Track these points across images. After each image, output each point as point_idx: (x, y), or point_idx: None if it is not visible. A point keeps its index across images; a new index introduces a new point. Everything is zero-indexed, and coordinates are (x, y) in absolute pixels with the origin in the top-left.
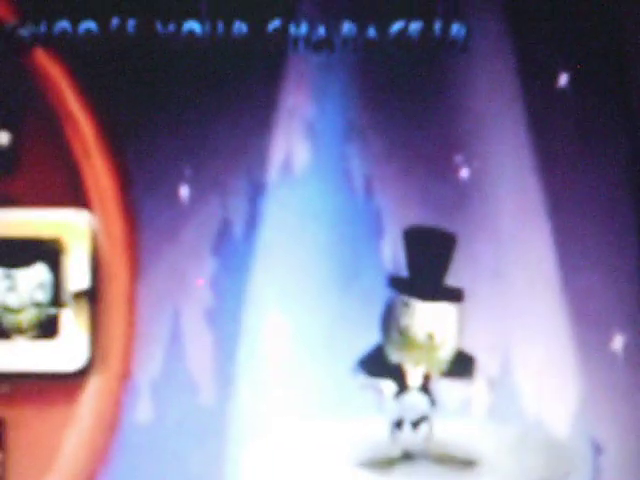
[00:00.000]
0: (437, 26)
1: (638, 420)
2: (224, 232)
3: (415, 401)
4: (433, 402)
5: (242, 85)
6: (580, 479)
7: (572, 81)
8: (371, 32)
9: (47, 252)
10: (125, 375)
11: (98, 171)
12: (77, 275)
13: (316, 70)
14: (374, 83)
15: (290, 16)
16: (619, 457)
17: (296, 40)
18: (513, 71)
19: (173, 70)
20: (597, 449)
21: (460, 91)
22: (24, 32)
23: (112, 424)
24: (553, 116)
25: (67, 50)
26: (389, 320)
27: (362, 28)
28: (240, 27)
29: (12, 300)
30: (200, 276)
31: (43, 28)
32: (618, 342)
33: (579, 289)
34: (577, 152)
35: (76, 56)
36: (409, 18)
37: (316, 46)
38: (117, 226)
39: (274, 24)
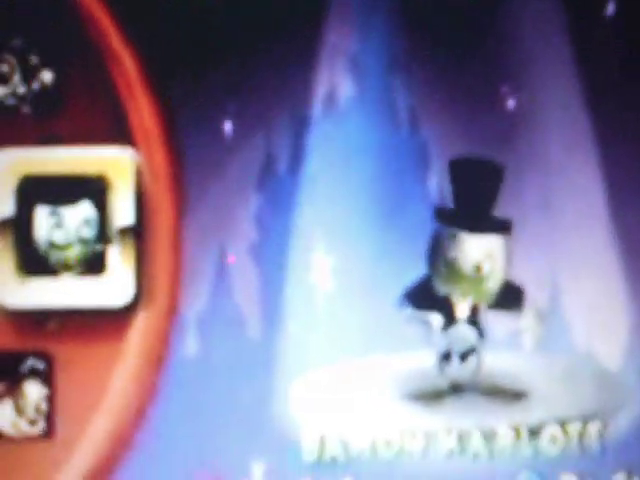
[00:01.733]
0: None
1: None
2: (268, 167)
3: (463, 333)
4: (481, 334)
5: (285, 21)
6: (631, 411)
7: (619, 9)
8: None
9: (92, 189)
10: (172, 310)
11: (142, 109)
12: (122, 212)
13: (359, 4)
14: (418, 16)
15: None
16: None
17: None
18: (560, 0)
19: (216, 7)
20: None
21: (506, 22)
22: None
23: (160, 360)
24: (600, 45)
25: None
26: (436, 252)
27: None
28: None
29: (58, 237)
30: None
31: None
32: None
33: (629, 219)
34: (624, 81)
35: None
36: None
37: None
38: (161, 163)
39: None
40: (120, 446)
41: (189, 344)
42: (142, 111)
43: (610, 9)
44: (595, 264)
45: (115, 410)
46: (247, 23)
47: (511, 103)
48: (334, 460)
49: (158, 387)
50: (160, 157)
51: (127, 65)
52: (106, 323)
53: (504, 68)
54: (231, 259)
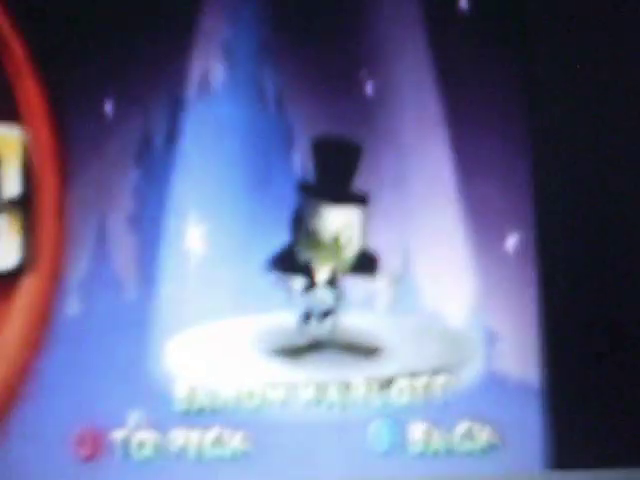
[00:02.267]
0: None
1: (528, 312)
2: (146, 145)
3: (322, 295)
4: (339, 296)
5: (163, 7)
6: (474, 366)
7: (472, 3)
8: None
9: None
10: (55, 274)
11: (29, 89)
12: (10, 184)
13: None
14: (285, 5)
15: None
16: (510, 346)
17: None
18: None
19: None
20: (491, 339)
21: (365, 13)
22: None
23: (44, 319)
24: (453, 37)
25: None
26: (298, 223)
27: None
28: None
29: None
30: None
31: None
32: (511, 241)
33: (474, 194)
34: (475, 70)
35: None
36: None
37: None
38: (46, 140)
39: None
40: (5, 398)
41: (71, 305)
42: (29, 91)
43: (463, 3)
44: (443, 233)
45: (3, 364)
46: (127, 9)
47: (369, 87)
48: (203, 410)
49: (42, 345)
50: (45, 134)
51: (14, 48)
52: None
53: (362, 54)
54: None
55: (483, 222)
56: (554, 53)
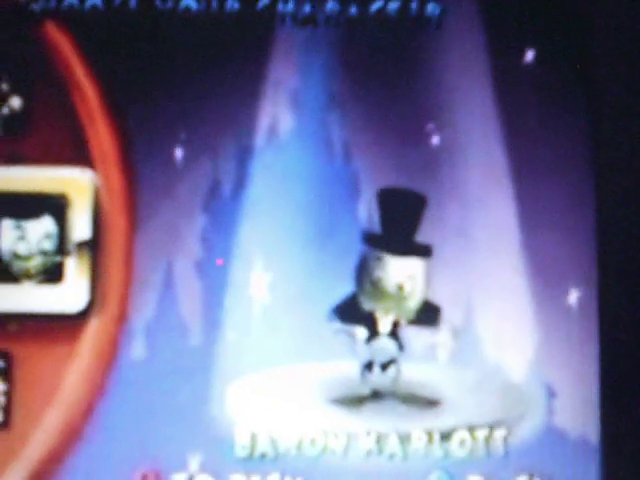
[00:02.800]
0: (414, 5)
1: (588, 368)
2: (214, 191)
3: (385, 345)
4: (401, 347)
5: (233, 57)
6: (533, 420)
7: (538, 57)
8: (353, 10)
9: (54, 206)
10: (122, 317)
11: (101, 134)
12: (80, 227)
13: (301, 45)
14: (354, 57)
15: None
16: (570, 401)
17: (283, 16)
18: (483, 47)
19: (170, 43)
20: (550, 394)
21: (433, 65)
22: (36, 7)
23: (109, 362)
24: (519, 89)
25: (75, 23)
26: (362, 272)
27: (344, 6)
28: (232, 4)
29: (22, 248)
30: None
31: (53, 3)
32: (573, 296)
33: (538, 248)
34: (540, 123)
35: (83, 29)
36: None
37: (302, 22)
38: (117, 184)
39: (263, 1)
40: (70, 438)
41: (136, 348)
42: (101, 136)
43: (529, 56)
44: (505, 287)
45: (67, 406)
46: (199, 60)
47: (435, 139)
48: (264, 456)
49: (107, 387)
50: (116, 179)
51: (88, 94)
52: (62, 327)
53: (430, 107)
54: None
55: (546, 276)
56: (620, 108)
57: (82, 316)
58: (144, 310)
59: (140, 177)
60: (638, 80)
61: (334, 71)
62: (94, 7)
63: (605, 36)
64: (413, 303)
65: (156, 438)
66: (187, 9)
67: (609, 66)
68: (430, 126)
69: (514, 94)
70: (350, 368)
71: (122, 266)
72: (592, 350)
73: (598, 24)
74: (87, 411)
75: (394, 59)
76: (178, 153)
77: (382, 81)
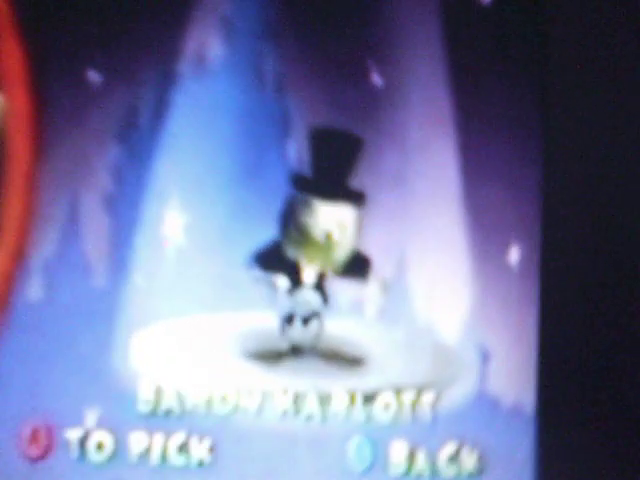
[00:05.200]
0: None
1: (526, 330)
2: (130, 120)
3: (308, 297)
4: (325, 300)
5: None
6: (466, 384)
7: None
8: None
9: None
10: (18, 253)
11: (7, 50)
12: None
13: None
14: None
15: None
16: (505, 366)
17: None
18: None
19: None
20: (484, 357)
21: None
22: None
23: (2, 302)
24: (471, 31)
25: None
26: (288, 217)
27: None
28: None
29: None
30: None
31: None
32: (514, 254)
33: (479, 200)
34: (490, 69)
35: None
36: None
37: None
38: (23, 106)
39: None
40: None
41: (33, 288)
42: (9, 54)
43: None
44: (442, 240)
45: None
46: None
47: (376, 78)
48: (169, 413)
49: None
50: (22, 100)
51: None
52: None
53: (372, 42)
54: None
55: (486, 231)
56: (572, 57)
57: None
58: (44, 246)
59: (48, 100)
60: (590, 30)
61: None
62: None
63: None
64: (341, 253)
65: (50, 389)
66: None
67: (564, 16)
68: (370, 62)
69: (465, 36)
70: (268, 320)
71: (22, 196)
72: (531, 312)
73: None
74: None
75: None
76: (92, 76)
77: (321, 11)
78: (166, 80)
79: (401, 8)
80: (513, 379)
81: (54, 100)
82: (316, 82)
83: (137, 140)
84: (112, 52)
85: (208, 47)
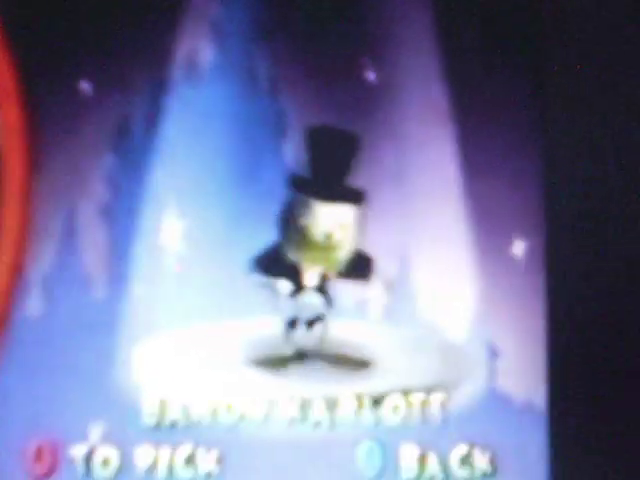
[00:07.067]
0: None
1: (534, 325)
2: (124, 128)
3: (311, 301)
4: (329, 302)
5: None
6: (474, 384)
7: None
8: None
9: None
10: (17, 268)
11: None
12: None
13: None
14: None
15: None
16: (514, 362)
17: None
18: None
19: None
20: (493, 354)
21: None
22: None
23: (2, 317)
24: (463, 24)
25: None
26: (288, 219)
27: None
28: None
29: None
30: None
31: None
32: (518, 247)
33: (480, 194)
34: (485, 61)
35: None
36: None
37: None
38: (16, 119)
39: None
40: None
41: (33, 303)
42: None
43: None
44: (445, 237)
45: None
46: None
47: (370, 75)
48: (174, 425)
49: None
50: (15, 113)
51: None
52: None
53: (365, 40)
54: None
55: (488, 225)
56: (570, 51)
57: None
58: (42, 260)
59: (41, 113)
60: (587, 20)
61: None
62: None
63: None
64: (343, 254)
65: (52, 405)
66: None
67: (561, 6)
68: (364, 60)
69: (459, 28)
70: (272, 326)
71: (19, 211)
72: (538, 306)
73: None
74: None
75: None
76: (84, 86)
77: (312, 10)
78: (158, 87)
79: (393, 3)
80: (523, 375)
81: (47, 113)
82: (310, 82)
83: (132, 148)
84: (103, 62)
85: (199, 52)
